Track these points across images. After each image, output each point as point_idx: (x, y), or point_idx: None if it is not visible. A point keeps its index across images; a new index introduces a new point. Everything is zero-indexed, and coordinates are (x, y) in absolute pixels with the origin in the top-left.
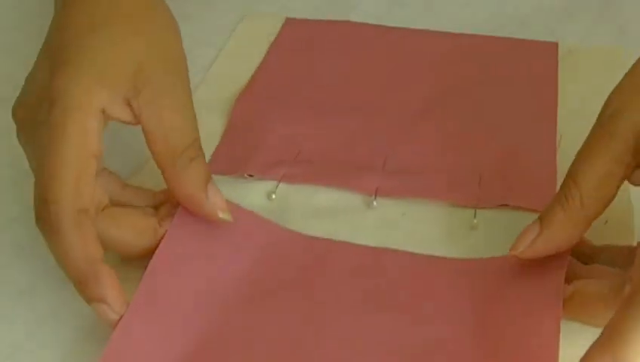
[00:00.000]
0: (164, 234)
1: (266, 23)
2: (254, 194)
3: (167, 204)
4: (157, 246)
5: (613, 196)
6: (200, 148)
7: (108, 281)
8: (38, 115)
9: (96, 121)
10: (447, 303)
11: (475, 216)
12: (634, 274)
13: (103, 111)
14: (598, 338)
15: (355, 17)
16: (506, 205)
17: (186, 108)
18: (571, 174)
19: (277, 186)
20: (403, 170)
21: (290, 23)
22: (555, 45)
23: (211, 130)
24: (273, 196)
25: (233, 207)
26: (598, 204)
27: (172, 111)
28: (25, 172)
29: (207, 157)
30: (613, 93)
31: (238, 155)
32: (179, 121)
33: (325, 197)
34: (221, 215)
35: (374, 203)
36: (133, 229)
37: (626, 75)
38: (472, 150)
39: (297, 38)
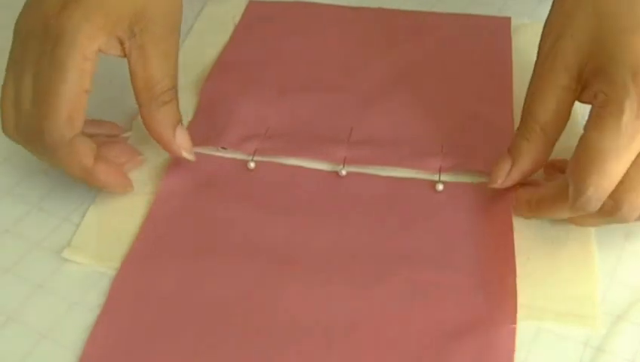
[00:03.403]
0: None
1: (230, 6)
2: None
3: None
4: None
5: (568, 118)
6: (175, 95)
7: (102, 176)
8: (43, 43)
9: (92, 62)
10: (410, 220)
11: (439, 180)
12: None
13: (99, 50)
14: None
15: None
16: (469, 169)
17: (169, 59)
18: (528, 110)
19: (252, 159)
20: (368, 141)
21: (253, 4)
22: (509, 20)
23: (182, 109)
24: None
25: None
26: (556, 129)
27: (158, 60)
28: None
29: None
30: (546, 26)
31: (211, 131)
32: (161, 69)
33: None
34: (185, 154)
35: (343, 172)
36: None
37: (552, 6)
38: (434, 120)
39: (261, 18)
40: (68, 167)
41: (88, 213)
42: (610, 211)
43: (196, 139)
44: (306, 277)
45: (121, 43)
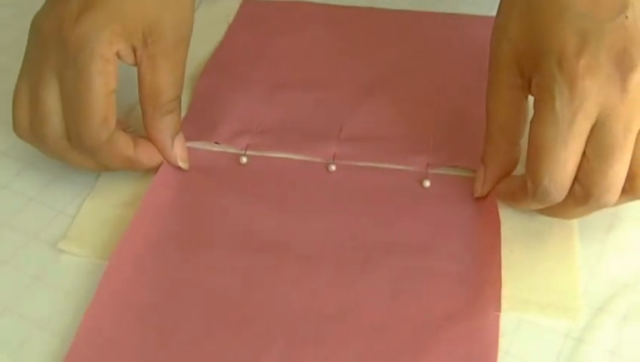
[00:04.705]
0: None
1: (224, 5)
2: None
3: None
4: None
5: (524, 113)
6: (179, 105)
7: (145, 159)
8: (64, 51)
9: (114, 64)
10: (398, 210)
11: (427, 177)
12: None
13: (117, 54)
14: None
15: None
16: (457, 166)
17: (177, 70)
18: (486, 115)
19: (244, 153)
20: (357, 138)
21: (247, 3)
22: None
23: None
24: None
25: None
26: (514, 128)
27: (166, 71)
28: None
29: None
30: (492, 32)
31: (204, 126)
32: (169, 80)
33: None
34: (180, 163)
35: (332, 167)
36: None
37: (498, 11)
38: (422, 118)
39: (255, 17)
40: (111, 162)
41: (84, 204)
42: (584, 197)
43: (190, 134)
44: (297, 267)
45: (134, 51)
